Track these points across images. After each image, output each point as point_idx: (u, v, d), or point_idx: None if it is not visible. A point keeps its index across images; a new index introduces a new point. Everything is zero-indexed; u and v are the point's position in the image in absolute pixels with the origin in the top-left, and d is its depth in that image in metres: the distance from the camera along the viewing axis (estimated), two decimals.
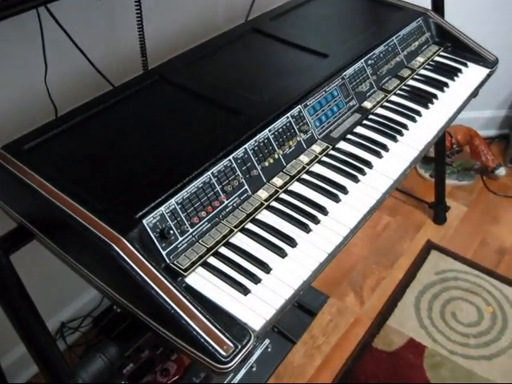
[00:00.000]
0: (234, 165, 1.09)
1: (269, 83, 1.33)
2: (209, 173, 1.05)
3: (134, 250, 0.91)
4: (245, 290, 0.95)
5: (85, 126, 1.17)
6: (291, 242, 1.05)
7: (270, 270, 1.00)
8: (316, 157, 1.23)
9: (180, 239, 0.99)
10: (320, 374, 1.85)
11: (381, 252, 2.29)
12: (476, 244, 2.36)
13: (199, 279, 0.97)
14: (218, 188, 1.06)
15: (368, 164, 1.24)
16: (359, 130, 1.34)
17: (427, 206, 2.47)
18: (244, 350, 0.86)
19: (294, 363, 1.86)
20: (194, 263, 0.98)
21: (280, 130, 1.19)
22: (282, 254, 1.02)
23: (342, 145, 1.29)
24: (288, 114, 1.22)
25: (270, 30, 1.54)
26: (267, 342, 1.82)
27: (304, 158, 1.22)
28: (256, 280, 0.97)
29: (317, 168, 1.21)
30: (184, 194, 1.01)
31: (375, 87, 1.46)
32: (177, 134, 1.15)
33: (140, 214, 0.96)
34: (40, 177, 1.02)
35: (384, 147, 1.29)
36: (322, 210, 1.12)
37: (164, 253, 0.97)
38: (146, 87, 1.28)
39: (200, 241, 1.02)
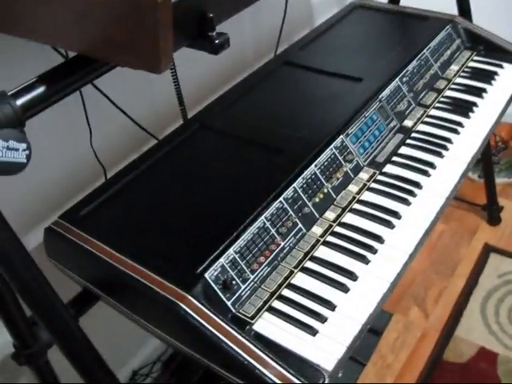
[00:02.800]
0: (286, 205, 1.10)
1: (307, 116, 1.33)
2: (262, 217, 1.06)
3: (200, 306, 0.92)
4: (313, 331, 0.95)
5: (135, 186, 1.19)
6: (352, 276, 1.04)
7: (335, 307, 1.00)
8: (364, 185, 1.23)
9: (242, 287, 1.00)
10: None
11: (439, 261, 2.26)
12: None
13: (267, 325, 0.97)
14: (273, 231, 1.07)
15: (417, 185, 1.23)
16: (404, 150, 1.33)
17: (480, 209, 2.43)
18: None
19: None
20: (259, 309, 0.99)
21: (326, 164, 1.19)
22: (344, 289, 1.02)
23: (389, 168, 1.28)
24: (331, 146, 1.22)
25: (301, 60, 1.55)
26: None
27: (353, 188, 1.21)
28: (322, 319, 0.97)
29: (367, 196, 1.21)
30: (241, 242, 1.02)
31: (413, 104, 1.45)
32: (225, 182, 1.17)
33: (201, 268, 0.97)
34: (99, 242, 1.05)
35: (431, 165, 1.28)
36: (378, 239, 1.11)
37: (229, 303, 0.98)
38: (188, 137, 1.30)
39: (262, 286, 1.02)
